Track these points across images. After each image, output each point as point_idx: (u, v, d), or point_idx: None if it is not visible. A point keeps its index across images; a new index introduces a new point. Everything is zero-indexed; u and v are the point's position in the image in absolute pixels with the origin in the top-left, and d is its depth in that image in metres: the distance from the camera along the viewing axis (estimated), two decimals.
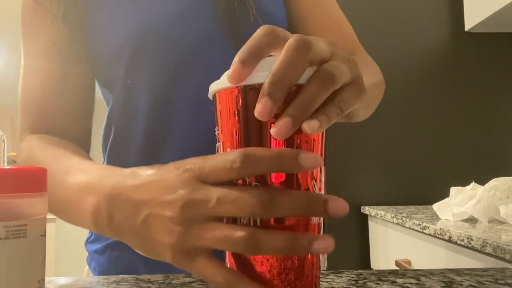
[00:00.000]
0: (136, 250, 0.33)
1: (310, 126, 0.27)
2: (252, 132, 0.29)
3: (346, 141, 1.59)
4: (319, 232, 0.32)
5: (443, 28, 1.65)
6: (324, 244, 0.27)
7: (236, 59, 0.28)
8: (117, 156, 0.61)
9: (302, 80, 0.28)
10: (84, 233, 0.68)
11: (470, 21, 1.57)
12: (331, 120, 0.28)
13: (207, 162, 0.29)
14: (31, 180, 0.31)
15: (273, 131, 0.27)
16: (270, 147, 0.29)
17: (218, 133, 0.32)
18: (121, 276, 0.47)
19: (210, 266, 0.29)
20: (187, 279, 0.44)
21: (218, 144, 0.32)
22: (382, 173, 1.60)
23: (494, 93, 1.63)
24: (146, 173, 0.33)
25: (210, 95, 0.33)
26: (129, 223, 0.32)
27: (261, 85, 0.28)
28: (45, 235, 0.32)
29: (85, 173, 0.41)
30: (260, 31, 0.29)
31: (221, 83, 0.30)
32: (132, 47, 0.56)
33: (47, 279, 0.45)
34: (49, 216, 0.37)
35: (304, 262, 0.30)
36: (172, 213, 0.29)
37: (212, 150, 0.34)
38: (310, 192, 0.29)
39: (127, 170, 0.35)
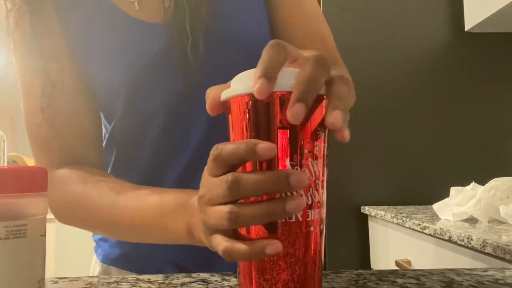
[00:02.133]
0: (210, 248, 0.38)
1: (343, 133, 0.32)
2: (261, 131, 0.32)
3: (346, 141, 1.59)
4: (322, 231, 0.34)
5: (443, 28, 1.65)
6: (295, 203, 0.31)
7: (259, 74, 0.31)
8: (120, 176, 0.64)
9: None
10: (84, 233, 0.70)
11: (470, 21, 1.57)
12: (345, 112, 0.32)
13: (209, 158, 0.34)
14: (31, 180, 0.31)
15: (289, 116, 0.30)
16: (277, 139, 0.32)
17: (230, 137, 0.35)
18: (121, 276, 0.47)
19: (217, 239, 0.34)
20: (187, 279, 0.44)
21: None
22: (382, 173, 1.60)
23: (494, 93, 1.63)
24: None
25: (221, 101, 0.36)
26: (200, 229, 0.39)
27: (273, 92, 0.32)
28: (45, 235, 0.32)
29: (163, 198, 0.48)
30: (271, 49, 0.32)
31: (233, 91, 0.34)
32: (126, 91, 0.59)
33: (47, 279, 0.45)
34: (49, 216, 0.38)
35: (306, 256, 0.33)
36: (198, 205, 0.36)
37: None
38: (274, 170, 0.32)
39: (194, 191, 0.42)
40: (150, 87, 0.60)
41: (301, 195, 0.32)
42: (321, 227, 0.34)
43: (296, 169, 0.32)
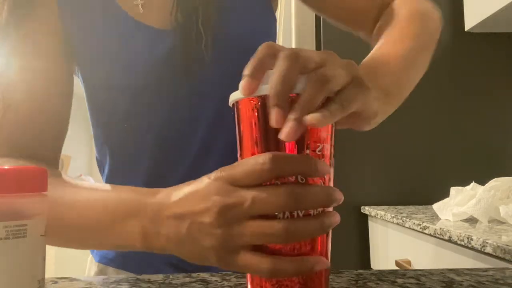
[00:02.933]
0: (184, 259, 0.36)
1: (313, 118, 0.30)
2: (269, 132, 0.33)
3: (346, 141, 1.59)
4: (328, 231, 0.35)
5: (443, 28, 1.65)
6: (338, 218, 0.33)
7: (245, 73, 0.32)
8: (120, 178, 0.64)
9: (299, 89, 0.32)
10: None
11: (470, 21, 1.57)
12: (334, 114, 0.31)
13: (237, 168, 0.33)
14: (31, 180, 0.31)
15: (282, 136, 0.30)
16: (284, 147, 0.32)
17: (238, 138, 0.36)
18: (121, 276, 0.47)
19: (254, 258, 0.32)
20: (187, 279, 0.44)
21: (238, 147, 0.36)
22: (382, 173, 1.60)
23: (494, 93, 1.63)
24: (182, 189, 0.37)
25: (230, 103, 0.36)
26: (175, 236, 0.35)
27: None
28: (45, 235, 0.32)
29: (113, 196, 0.42)
30: (261, 48, 0.33)
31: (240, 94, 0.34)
32: (127, 95, 0.58)
33: (47, 279, 0.45)
34: None
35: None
36: (210, 218, 0.33)
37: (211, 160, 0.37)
38: (325, 186, 0.33)
39: (162, 191, 0.39)
40: (152, 92, 0.59)
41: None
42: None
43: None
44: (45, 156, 0.57)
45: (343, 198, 0.33)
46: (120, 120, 0.61)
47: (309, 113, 0.30)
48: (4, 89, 0.55)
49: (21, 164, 0.51)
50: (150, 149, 0.61)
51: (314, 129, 0.33)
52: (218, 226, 0.32)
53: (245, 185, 0.32)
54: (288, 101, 0.31)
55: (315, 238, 0.33)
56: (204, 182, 0.34)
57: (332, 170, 0.35)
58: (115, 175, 0.64)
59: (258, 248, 0.33)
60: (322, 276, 0.34)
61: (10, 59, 0.57)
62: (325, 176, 0.34)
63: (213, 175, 0.34)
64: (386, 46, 0.53)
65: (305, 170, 0.31)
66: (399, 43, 0.54)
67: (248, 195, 0.31)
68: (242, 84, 0.32)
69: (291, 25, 1.65)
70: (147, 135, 0.61)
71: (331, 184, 0.35)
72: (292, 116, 0.30)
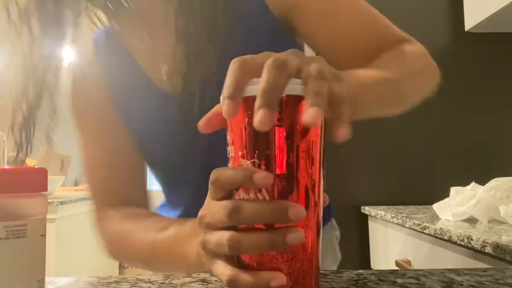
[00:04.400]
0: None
1: (309, 115, 0.30)
2: (259, 135, 0.32)
3: (346, 142, 1.58)
4: (318, 231, 0.35)
5: (443, 28, 1.65)
6: (296, 236, 0.31)
7: (224, 94, 0.32)
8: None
9: (294, 91, 0.32)
10: (84, 233, 0.70)
11: (470, 21, 1.57)
12: (320, 105, 0.31)
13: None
14: (31, 180, 0.31)
15: (255, 124, 0.30)
16: (275, 146, 0.32)
17: (229, 138, 0.35)
18: (121, 276, 0.47)
19: (221, 267, 0.34)
20: (187, 279, 0.44)
21: (229, 147, 0.35)
22: (382, 173, 1.60)
23: (494, 93, 1.63)
24: None
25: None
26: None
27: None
28: (45, 235, 0.32)
29: (175, 230, 0.53)
30: (233, 66, 0.33)
31: None
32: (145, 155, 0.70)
33: (47, 279, 0.45)
34: (49, 216, 0.38)
35: (304, 257, 0.34)
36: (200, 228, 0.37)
37: None
38: (275, 201, 0.32)
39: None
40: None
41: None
42: (318, 227, 0.35)
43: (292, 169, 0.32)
44: (137, 199, 0.69)
45: (301, 216, 0.31)
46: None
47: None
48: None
49: (130, 211, 0.66)
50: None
51: (303, 132, 0.32)
52: (202, 234, 0.36)
53: (215, 199, 0.35)
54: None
55: (306, 237, 0.33)
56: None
57: (322, 171, 0.35)
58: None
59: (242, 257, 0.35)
60: (312, 274, 0.34)
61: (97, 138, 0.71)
62: (315, 178, 0.33)
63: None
64: (370, 69, 0.55)
65: (242, 183, 0.32)
66: (385, 67, 0.56)
67: (208, 208, 0.35)
68: (225, 108, 0.32)
69: None
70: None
71: (321, 187, 0.34)
72: (261, 104, 0.30)
